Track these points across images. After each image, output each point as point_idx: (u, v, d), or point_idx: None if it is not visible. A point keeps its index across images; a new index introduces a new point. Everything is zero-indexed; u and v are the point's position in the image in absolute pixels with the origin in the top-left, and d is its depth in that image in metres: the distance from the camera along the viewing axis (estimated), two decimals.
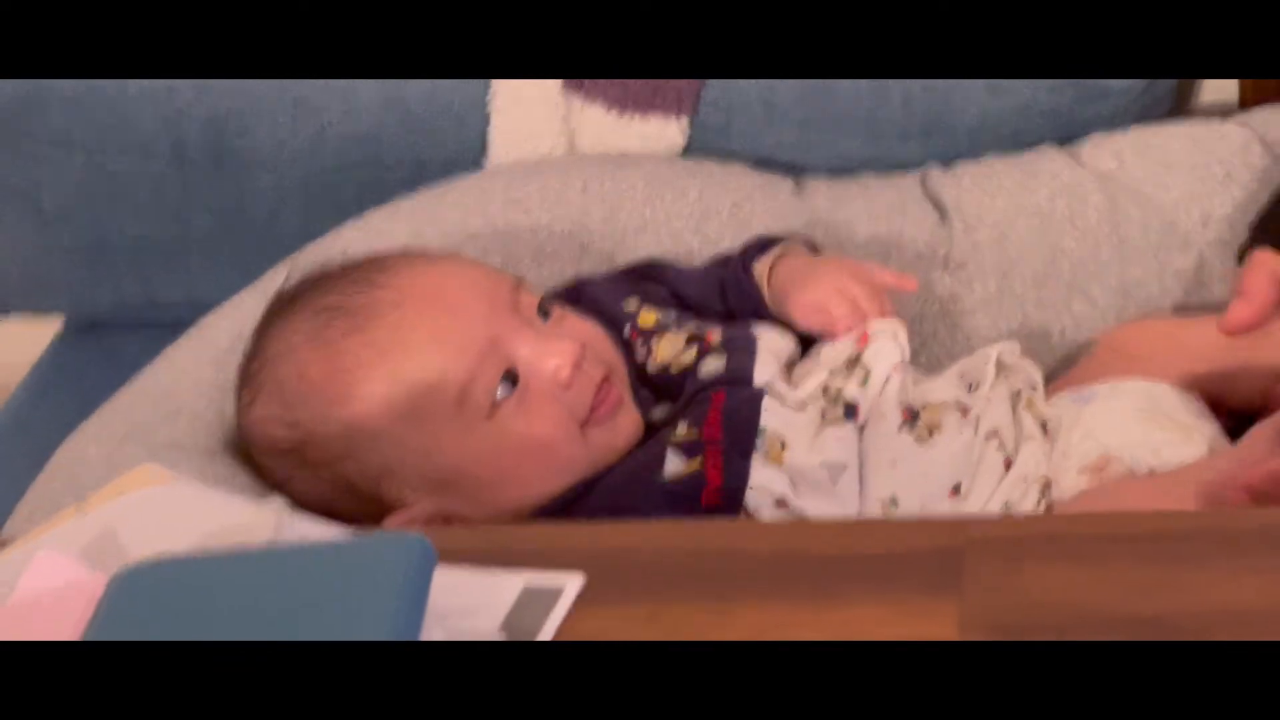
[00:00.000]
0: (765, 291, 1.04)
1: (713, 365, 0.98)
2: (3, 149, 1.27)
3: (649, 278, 1.09)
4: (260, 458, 1.00)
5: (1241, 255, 1.01)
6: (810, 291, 1.02)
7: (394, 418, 0.94)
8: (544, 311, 0.98)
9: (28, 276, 1.36)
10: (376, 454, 0.95)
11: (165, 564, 0.62)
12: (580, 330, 0.99)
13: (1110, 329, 1.06)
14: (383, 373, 0.94)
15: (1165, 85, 1.27)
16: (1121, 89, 1.24)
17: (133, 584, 0.61)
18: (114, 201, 1.28)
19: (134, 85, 1.22)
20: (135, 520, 0.68)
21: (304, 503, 0.96)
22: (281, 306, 1.01)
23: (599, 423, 0.96)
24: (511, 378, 0.95)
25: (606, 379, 0.97)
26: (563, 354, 0.95)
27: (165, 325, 1.16)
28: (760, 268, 1.05)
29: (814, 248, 1.10)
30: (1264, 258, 0.97)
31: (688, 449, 0.94)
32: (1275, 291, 0.95)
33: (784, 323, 1.03)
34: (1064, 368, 1.06)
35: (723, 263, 1.08)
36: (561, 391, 0.95)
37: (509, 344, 0.95)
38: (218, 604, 0.60)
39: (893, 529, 0.74)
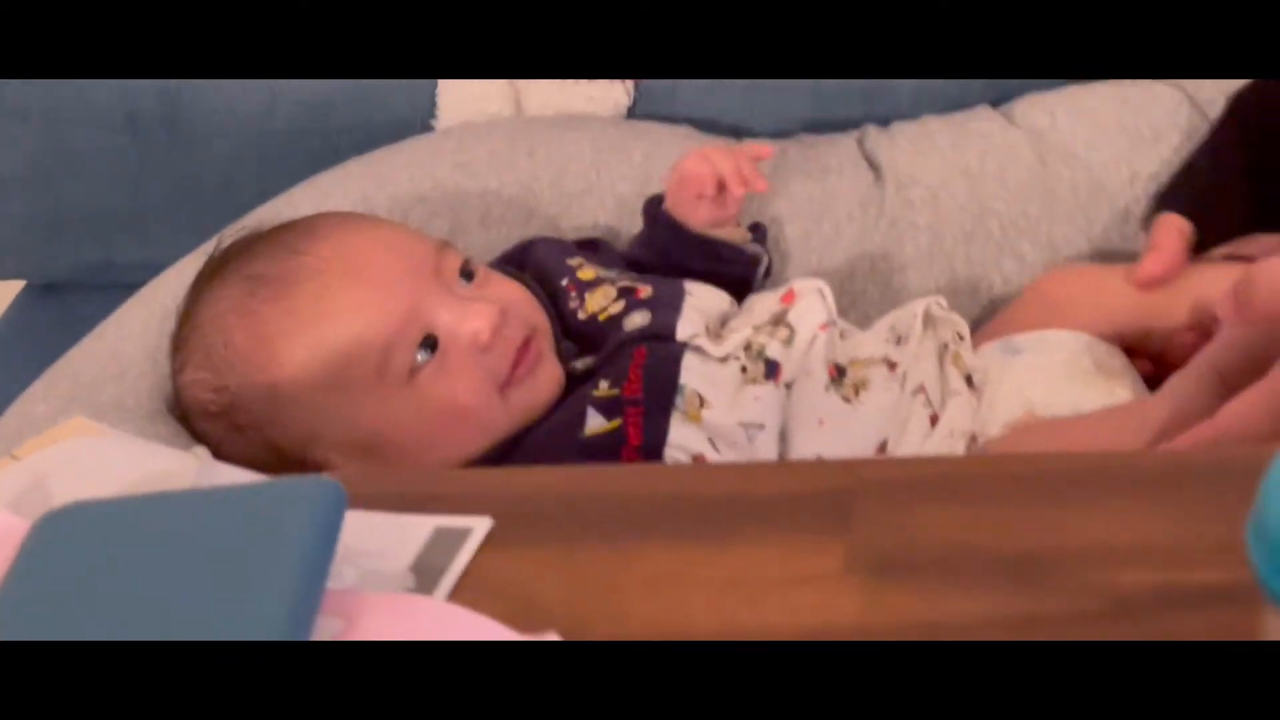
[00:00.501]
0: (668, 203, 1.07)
1: (638, 319, 0.99)
2: None
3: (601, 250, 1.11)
4: (193, 421, 1.01)
5: (1146, 222, 1.04)
6: (675, 170, 1.05)
7: (315, 384, 0.95)
8: (467, 274, 1.00)
9: None
10: (300, 419, 0.97)
11: (85, 507, 0.64)
12: (503, 291, 1.00)
13: (1036, 278, 1.08)
14: (303, 340, 0.96)
15: None
16: None
17: (53, 527, 0.63)
18: (71, 170, 1.30)
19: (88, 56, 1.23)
20: (63, 468, 0.70)
21: (237, 465, 0.99)
22: (211, 272, 1.02)
23: (518, 382, 0.97)
24: (431, 343, 0.96)
25: (528, 340, 0.98)
26: (481, 317, 0.96)
27: (124, 287, 1.17)
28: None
29: None
30: (1172, 217, 0.99)
31: (607, 407, 0.95)
32: (1183, 246, 0.97)
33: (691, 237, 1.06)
34: (990, 317, 1.07)
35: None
36: (481, 355, 0.96)
37: (429, 310, 0.96)
38: (133, 543, 0.61)
39: (788, 470, 0.76)
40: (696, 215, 1.06)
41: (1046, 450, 0.85)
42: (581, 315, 1.02)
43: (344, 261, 0.98)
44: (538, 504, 0.68)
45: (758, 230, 1.11)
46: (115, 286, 1.18)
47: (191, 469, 0.69)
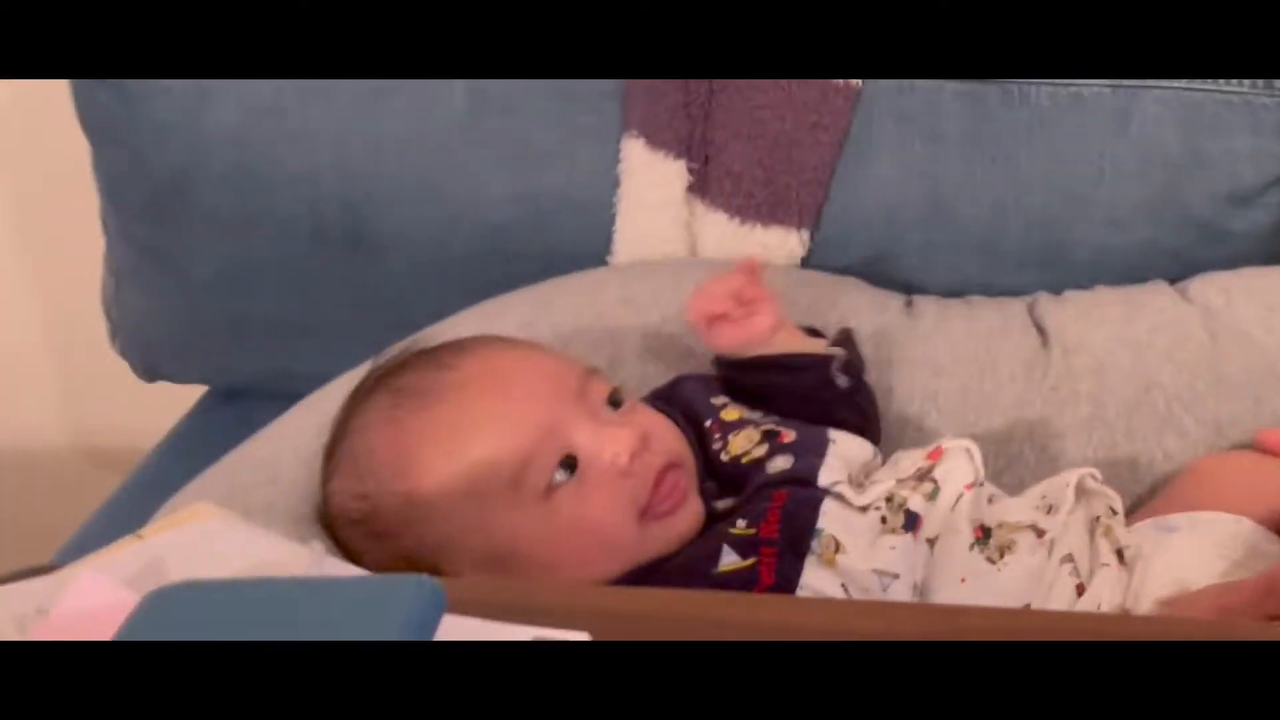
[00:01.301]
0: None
1: (780, 463, 0.98)
2: (158, 224, 1.34)
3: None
4: (337, 529, 1.02)
5: None
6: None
7: (452, 494, 0.95)
8: (614, 402, 1.00)
9: (175, 345, 1.43)
10: (435, 529, 0.97)
11: (193, 585, 0.65)
12: (646, 421, 1.00)
13: (1196, 459, 1.05)
14: (443, 450, 0.96)
15: None
16: (1243, 231, 1.24)
17: (160, 603, 0.64)
18: (257, 277, 1.34)
19: (280, 170, 1.28)
20: (182, 550, 0.71)
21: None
22: (365, 385, 1.04)
23: (659, 516, 0.97)
24: (570, 464, 0.96)
25: (669, 467, 0.98)
26: (621, 441, 0.96)
27: (300, 396, 1.19)
28: None
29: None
30: None
31: (743, 546, 0.94)
32: None
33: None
34: (1149, 497, 1.05)
35: None
36: (620, 479, 0.96)
37: (569, 429, 0.96)
38: (232, 624, 0.62)
39: (892, 611, 0.75)
40: (723, 340, 1.07)
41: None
42: (725, 457, 1.02)
43: (488, 377, 0.99)
44: (639, 625, 0.68)
45: (845, 336, 1.10)
46: (293, 395, 1.21)
47: (305, 560, 0.70)
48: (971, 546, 0.96)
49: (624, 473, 0.96)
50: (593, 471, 0.96)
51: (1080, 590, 0.93)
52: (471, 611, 0.67)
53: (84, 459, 1.88)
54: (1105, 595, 0.92)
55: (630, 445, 0.96)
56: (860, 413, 1.08)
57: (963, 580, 0.94)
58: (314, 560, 0.71)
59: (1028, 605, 0.93)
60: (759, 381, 1.07)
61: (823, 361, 1.07)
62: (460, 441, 0.96)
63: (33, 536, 1.52)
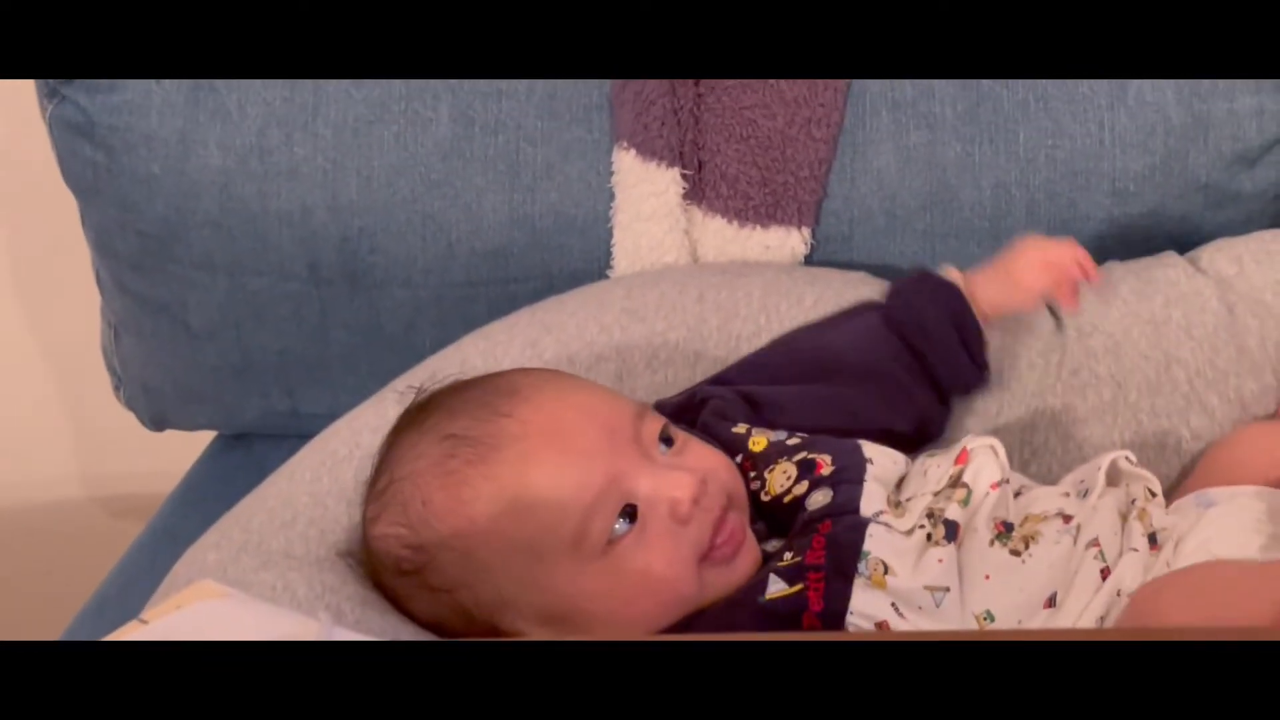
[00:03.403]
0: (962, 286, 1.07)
1: (820, 498, 0.96)
2: (152, 274, 1.32)
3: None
4: (382, 574, 1.00)
5: None
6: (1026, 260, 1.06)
7: (511, 551, 0.93)
8: (666, 439, 0.98)
9: (179, 393, 1.41)
10: (492, 585, 0.94)
11: None
12: (702, 460, 0.98)
13: (1226, 434, 1.03)
14: (502, 507, 0.93)
15: None
16: (1251, 192, 1.22)
17: None
18: (256, 319, 1.33)
19: (271, 209, 1.27)
20: (187, 633, 0.70)
21: (422, 622, 0.98)
22: (409, 423, 1.00)
23: (719, 562, 0.94)
24: (630, 512, 0.94)
25: (727, 511, 0.96)
26: (682, 487, 0.93)
27: (309, 435, 1.18)
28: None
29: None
30: None
31: (789, 574, 0.92)
32: None
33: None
34: (1181, 478, 1.03)
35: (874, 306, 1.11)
36: (680, 527, 0.94)
37: (628, 479, 0.94)
38: None
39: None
40: (1035, 285, 1.06)
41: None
42: (765, 497, 0.99)
43: (546, 427, 0.95)
44: None
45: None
46: (302, 434, 1.19)
47: (313, 632, 0.69)
48: (991, 543, 0.94)
49: (684, 520, 0.94)
50: (653, 519, 0.94)
51: (1105, 574, 0.92)
52: None
53: (101, 510, 1.87)
54: (1127, 582, 0.91)
55: (691, 490, 0.94)
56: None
57: (987, 577, 0.93)
58: (323, 631, 0.69)
59: (1053, 594, 0.92)
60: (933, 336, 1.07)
61: (983, 377, 1.08)
62: (522, 498, 0.93)
63: (55, 590, 1.51)
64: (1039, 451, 1.09)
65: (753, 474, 1.00)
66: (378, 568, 1.00)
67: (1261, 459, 0.98)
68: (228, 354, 1.36)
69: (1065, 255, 1.05)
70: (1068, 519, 0.95)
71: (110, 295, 1.38)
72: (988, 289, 1.07)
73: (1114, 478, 0.99)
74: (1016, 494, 0.99)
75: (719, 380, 1.10)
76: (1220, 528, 0.92)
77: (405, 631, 0.96)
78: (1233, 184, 1.23)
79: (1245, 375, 1.08)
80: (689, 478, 0.94)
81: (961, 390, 1.08)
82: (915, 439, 1.06)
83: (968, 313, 1.06)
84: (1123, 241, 1.23)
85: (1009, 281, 1.06)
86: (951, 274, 1.08)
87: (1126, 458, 0.98)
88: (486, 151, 1.26)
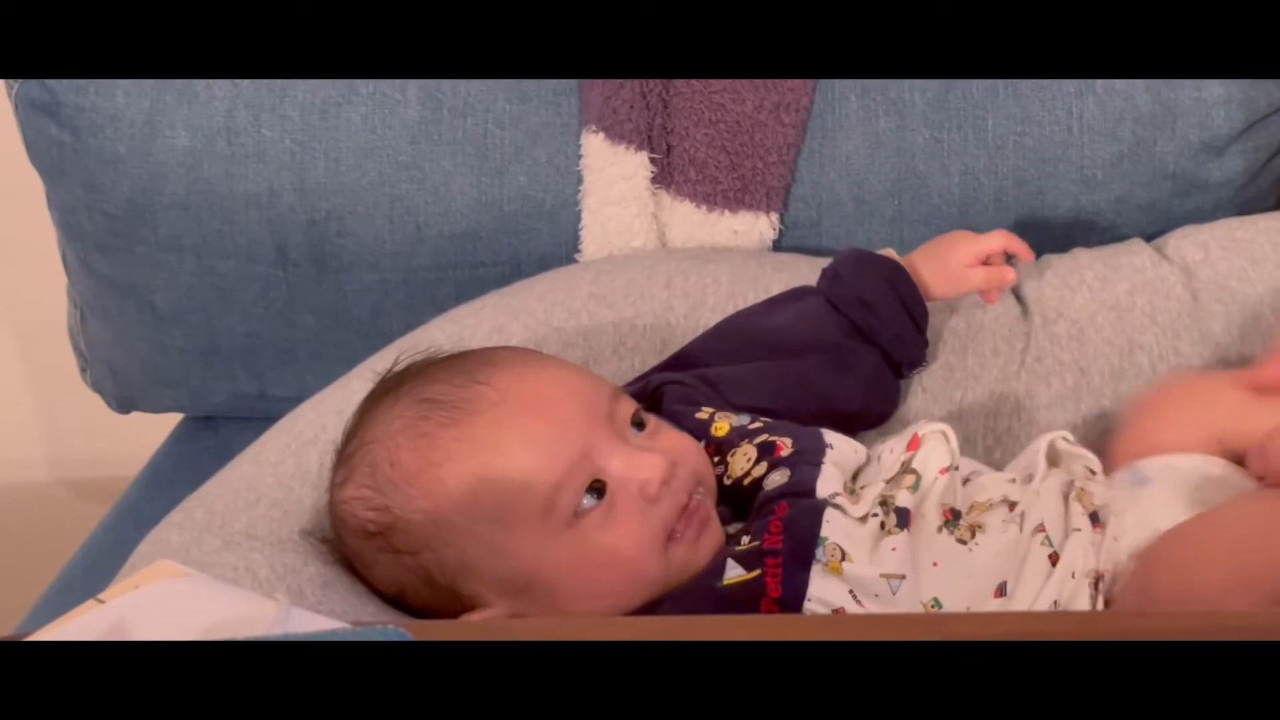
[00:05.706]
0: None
1: (777, 477, 0.96)
2: (118, 255, 1.31)
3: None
4: (347, 537, 0.99)
5: None
6: (960, 253, 1.08)
7: (478, 515, 0.93)
8: (638, 423, 0.98)
9: (146, 376, 1.41)
10: (457, 549, 0.94)
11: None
12: (673, 444, 0.98)
13: (1140, 394, 1.05)
14: (473, 469, 0.93)
15: (1267, 179, 1.25)
16: (1219, 180, 1.23)
17: None
18: (223, 301, 1.32)
19: (238, 191, 1.26)
20: (144, 612, 0.69)
21: (384, 588, 0.98)
22: (384, 391, 1.00)
23: (684, 540, 0.94)
24: (598, 489, 0.94)
25: (695, 491, 0.96)
26: (653, 468, 0.94)
27: (275, 418, 1.17)
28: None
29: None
30: None
31: (746, 559, 0.92)
32: None
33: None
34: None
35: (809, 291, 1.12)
36: (648, 506, 0.94)
37: (600, 455, 0.94)
38: None
39: (873, 624, 0.73)
40: (969, 281, 1.08)
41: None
42: (727, 480, 1.00)
43: (522, 396, 0.95)
44: None
45: None
46: (269, 417, 1.19)
47: (270, 614, 0.68)
48: (939, 529, 0.95)
49: (652, 500, 0.94)
50: (621, 497, 0.94)
51: (1054, 560, 0.92)
52: None
53: (67, 491, 1.86)
54: (1079, 562, 0.91)
55: (662, 472, 0.94)
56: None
57: (935, 565, 0.93)
58: (280, 613, 0.68)
59: (1004, 583, 0.92)
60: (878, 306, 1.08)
61: (923, 353, 1.10)
62: (492, 462, 0.93)
63: (21, 572, 1.50)
64: (1002, 438, 1.09)
65: (716, 459, 1.01)
66: (342, 532, 1.00)
67: (1186, 420, 0.98)
68: (195, 336, 1.35)
69: (995, 245, 1.07)
70: (1012, 506, 0.95)
71: (76, 277, 1.37)
72: (921, 272, 1.08)
73: (1054, 458, 0.99)
74: (965, 480, 0.99)
75: (669, 365, 1.10)
76: (1157, 503, 0.93)
77: (366, 612, 0.96)
78: (1200, 172, 1.23)
79: (1209, 360, 1.08)
80: (660, 459, 0.94)
81: (904, 354, 1.08)
82: (869, 414, 1.08)
83: (910, 283, 1.07)
84: (1090, 229, 1.24)
85: (942, 269, 1.08)
86: (888, 254, 1.09)
87: (1064, 438, 0.98)
88: (455, 134, 1.26)
